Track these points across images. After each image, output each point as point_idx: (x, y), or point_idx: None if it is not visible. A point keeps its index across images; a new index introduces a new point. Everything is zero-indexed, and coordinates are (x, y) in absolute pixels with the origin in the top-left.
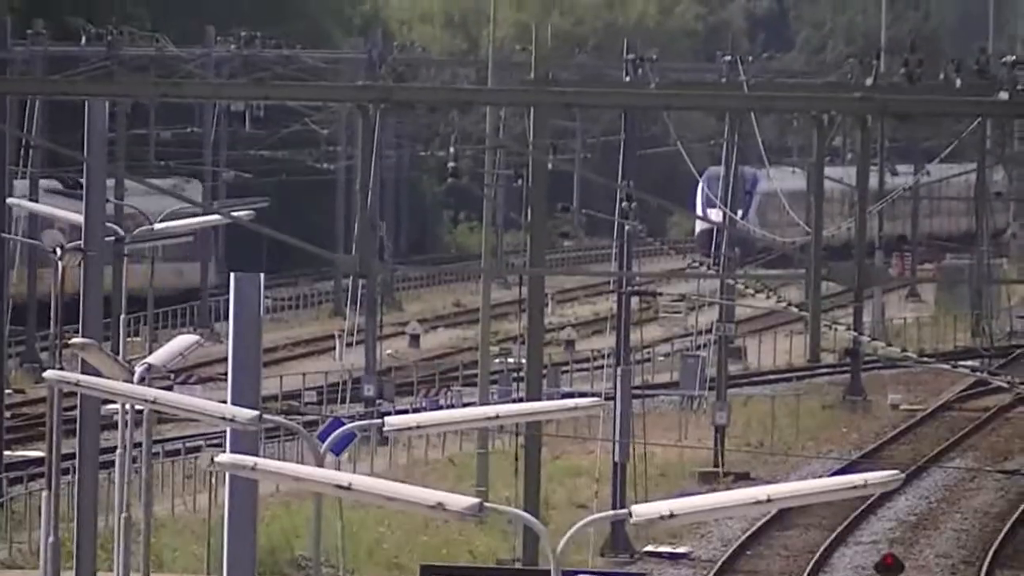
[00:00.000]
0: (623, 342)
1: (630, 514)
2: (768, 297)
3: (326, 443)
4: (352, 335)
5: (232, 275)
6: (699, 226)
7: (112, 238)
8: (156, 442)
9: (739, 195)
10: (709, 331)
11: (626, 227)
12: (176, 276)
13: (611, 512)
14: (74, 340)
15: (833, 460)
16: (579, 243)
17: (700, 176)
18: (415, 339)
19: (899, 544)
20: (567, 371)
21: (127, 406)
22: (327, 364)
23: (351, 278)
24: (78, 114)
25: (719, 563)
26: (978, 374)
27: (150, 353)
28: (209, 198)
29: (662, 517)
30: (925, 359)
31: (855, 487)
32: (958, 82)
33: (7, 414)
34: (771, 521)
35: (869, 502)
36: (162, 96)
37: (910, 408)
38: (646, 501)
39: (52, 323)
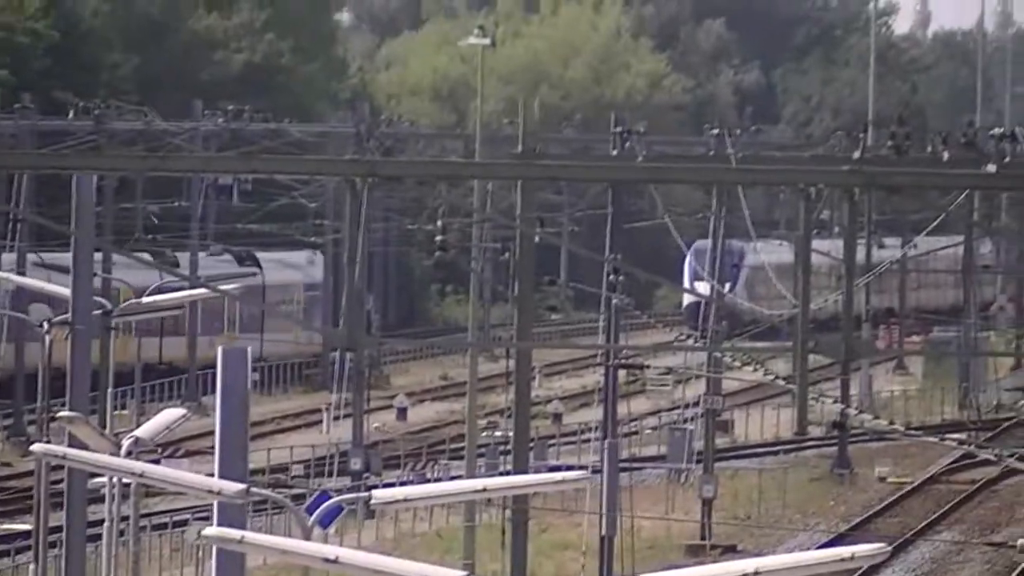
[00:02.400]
0: (610, 415)
1: None
2: (755, 370)
3: (313, 516)
4: (339, 408)
5: (219, 348)
6: (686, 299)
7: (99, 311)
8: (143, 515)
9: (726, 268)
10: (696, 404)
11: (613, 300)
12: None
13: None
14: (61, 414)
15: (820, 533)
16: (566, 316)
17: (687, 249)
18: (402, 412)
19: None
20: (554, 444)
21: (114, 479)
22: (314, 438)
23: (339, 351)
24: (66, 188)
25: None
26: (966, 447)
27: (138, 426)
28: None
29: None
30: (912, 432)
31: (842, 560)
32: (946, 155)
33: None
34: None
35: (856, 575)
36: (150, 170)
37: (897, 481)
38: (633, 574)
39: (39, 396)
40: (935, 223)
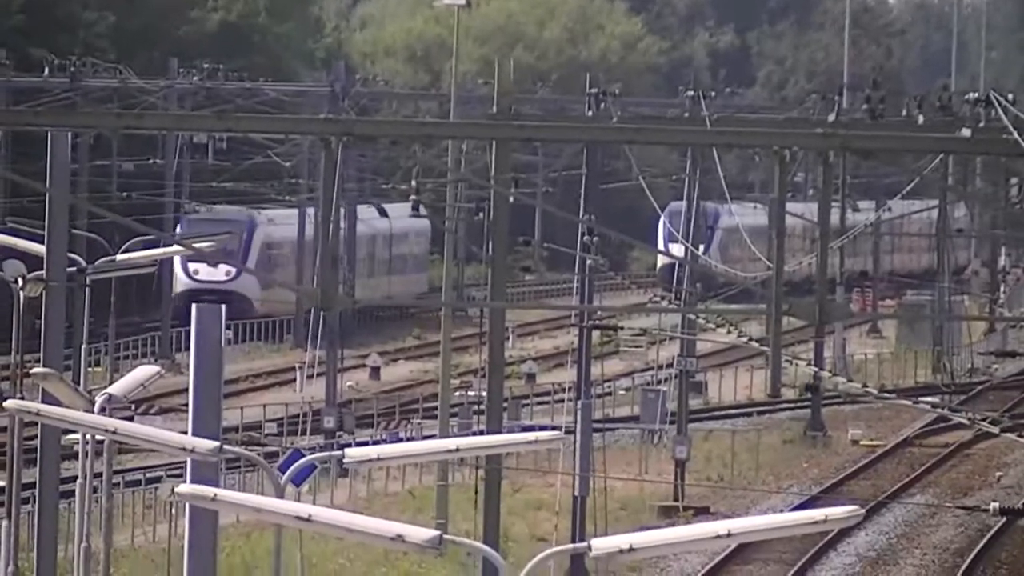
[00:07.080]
0: (584, 376)
1: (590, 547)
2: (729, 332)
3: (286, 474)
4: (313, 367)
5: (194, 306)
6: (661, 261)
7: (73, 268)
8: (116, 472)
9: (701, 230)
10: (670, 365)
11: (587, 261)
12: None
13: (571, 545)
14: (35, 370)
15: (793, 495)
16: (540, 277)
17: (662, 211)
18: (376, 371)
19: None
20: (528, 404)
21: (88, 436)
22: (288, 396)
23: (313, 310)
24: (41, 145)
25: None
26: (939, 410)
27: (111, 383)
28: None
29: (622, 551)
30: (886, 395)
31: (815, 522)
32: (920, 119)
33: None
34: (730, 556)
35: (829, 537)
36: (125, 128)
37: (870, 444)
38: (606, 535)
39: (13, 352)
40: (909, 187)
